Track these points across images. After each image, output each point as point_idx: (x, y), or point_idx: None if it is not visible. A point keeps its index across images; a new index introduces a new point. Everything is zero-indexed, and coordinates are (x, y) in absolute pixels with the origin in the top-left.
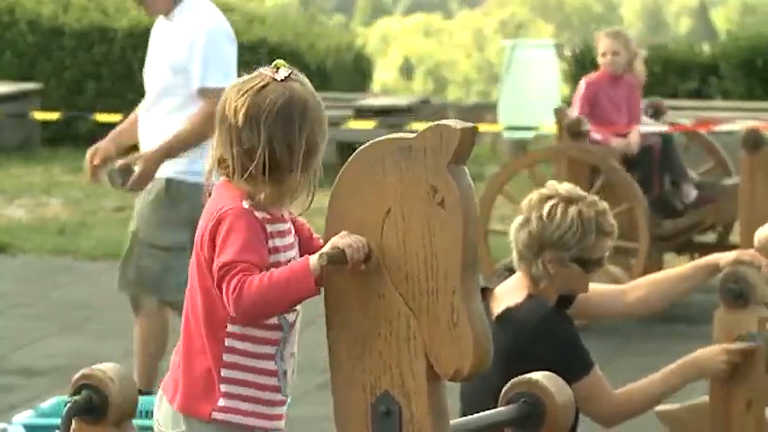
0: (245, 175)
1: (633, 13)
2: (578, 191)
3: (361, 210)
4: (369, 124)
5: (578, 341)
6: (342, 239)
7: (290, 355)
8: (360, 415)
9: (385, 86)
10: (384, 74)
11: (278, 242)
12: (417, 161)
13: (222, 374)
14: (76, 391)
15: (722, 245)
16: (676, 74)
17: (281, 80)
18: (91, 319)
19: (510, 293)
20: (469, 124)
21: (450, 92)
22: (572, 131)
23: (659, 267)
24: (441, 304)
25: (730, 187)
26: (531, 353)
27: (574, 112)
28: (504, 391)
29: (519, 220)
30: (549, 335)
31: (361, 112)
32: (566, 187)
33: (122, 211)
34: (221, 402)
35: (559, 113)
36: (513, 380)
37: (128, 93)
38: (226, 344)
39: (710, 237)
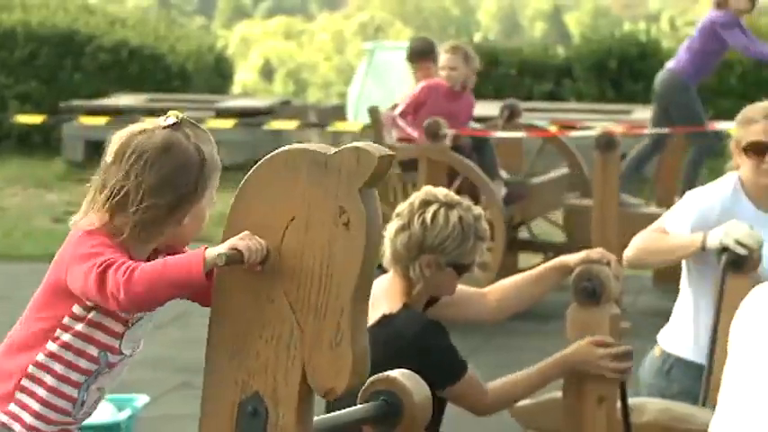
0: (105, 208)
1: (489, 17)
2: (454, 196)
3: (265, 212)
4: (228, 123)
5: (453, 350)
6: (242, 241)
7: (96, 389)
8: (227, 411)
9: (246, 88)
10: (245, 76)
11: None
12: (331, 178)
13: (22, 383)
14: None
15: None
16: (531, 76)
17: (164, 127)
18: None
19: (385, 296)
20: (388, 151)
21: (310, 94)
22: (430, 133)
23: (514, 266)
24: (327, 322)
25: (538, 185)
26: (406, 365)
27: (398, 108)
28: (362, 389)
29: (398, 223)
30: (425, 349)
31: (223, 114)
32: (443, 192)
33: None
34: (10, 407)
35: (374, 114)
36: (371, 378)
37: None
38: (37, 359)
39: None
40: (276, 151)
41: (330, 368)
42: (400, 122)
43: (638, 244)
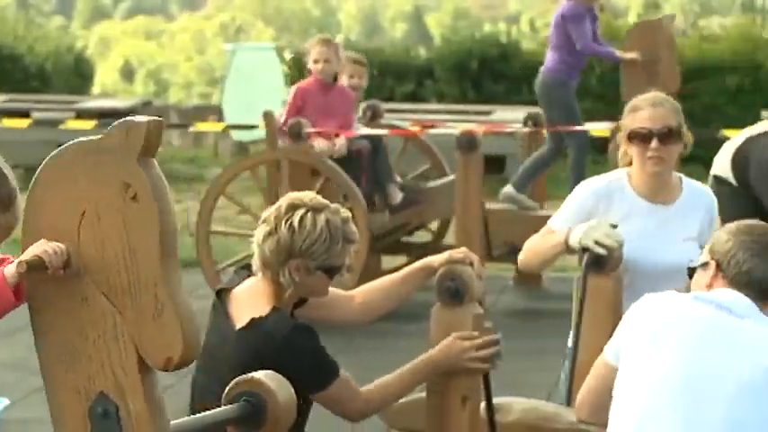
0: None
1: (350, 18)
2: (321, 199)
3: (54, 217)
4: (88, 124)
5: (323, 353)
6: (39, 247)
7: None
8: (78, 419)
9: (106, 89)
10: (105, 76)
11: None
12: (107, 160)
13: None
14: None
15: (436, 244)
16: (393, 77)
17: None
18: None
19: (252, 300)
20: (155, 118)
21: (171, 94)
22: (293, 134)
23: (378, 268)
24: (144, 297)
25: (434, 189)
26: (275, 369)
27: (281, 118)
28: (226, 390)
29: (265, 229)
30: (294, 352)
31: (83, 115)
32: (310, 196)
33: None
34: None
35: (268, 117)
36: (235, 379)
37: None
38: None
39: (426, 237)
40: (54, 152)
41: (161, 339)
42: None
43: (525, 247)
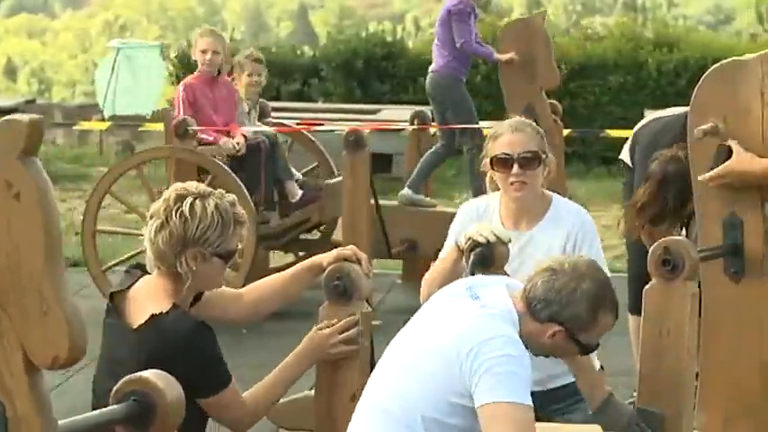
0: None
1: (235, 17)
2: (206, 186)
3: None
4: None
5: (220, 357)
6: None
7: None
8: None
9: None
10: None
11: None
12: None
13: None
14: None
15: (325, 242)
16: (279, 76)
17: None
18: None
19: (151, 298)
20: (37, 116)
21: (55, 92)
22: (178, 132)
23: (266, 265)
24: (29, 295)
25: (333, 186)
26: (172, 367)
27: (177, 115)
28: (114, 390)
29: (156, 222)
30: (193, 352)
31: None
32: (194, 184)
33: None
34: None
35: (165, 115)
36: (123, 379)
37: None
38: None
39: (315, 234)
40: None
41: (46, 337)
42: (198, 130)
43: (423, 283)
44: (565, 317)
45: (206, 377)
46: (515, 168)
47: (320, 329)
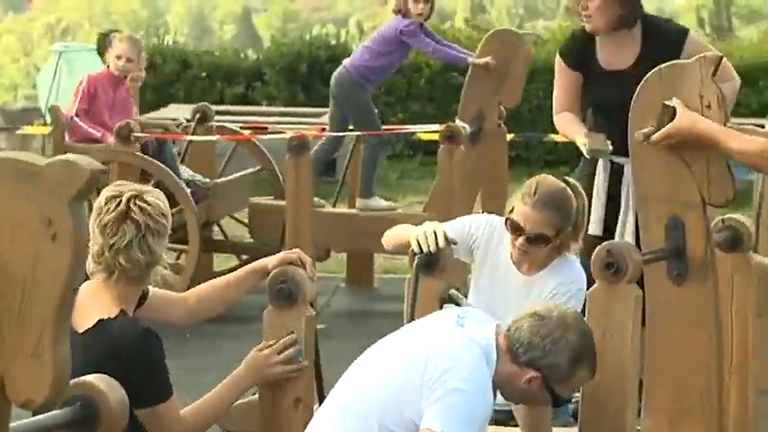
0: None
1: (179, 20)
2: (138, 185)
3: None
4: None
5: (165, 369)
6: None
7: None
8: None
9: None
10: None
11: None
12: (38, 189)
13: None
14: None
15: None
16: (222, 80)
17: None
18: None
19: (96, 302)
20: (99, 166)
21: None
22: (121, 136)
23: (210, 269)
24: (29, 331)
25: (222, 185)
26: (117, 372)
27: (73, 105)
28: None
29: (92, 224)
30: (138, 359)
31: None
32: (127, 185)
33: None
34: None
35: (55, 110)
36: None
37: None
38: None
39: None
40: None
41: (30, 379)
42: (82, 123)
43: (388, 233)
44: (544, 364)
45: (147, 386)
46: (521, 240)
47: (260, 350)
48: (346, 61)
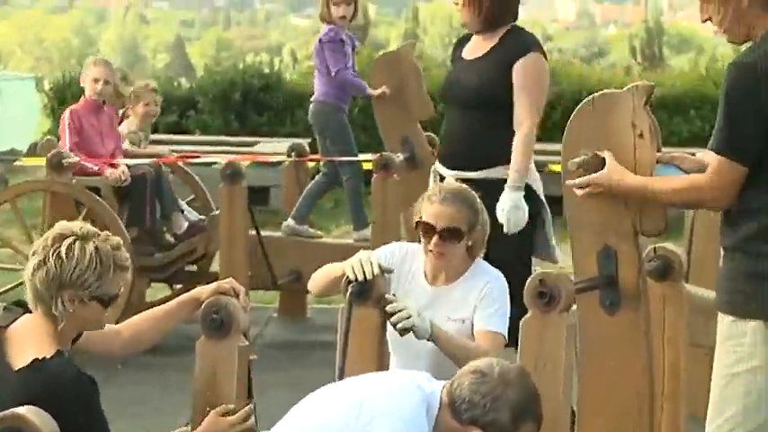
0: None
1: (111, 48)
2: (90, 227)
3: None
4: None
5: (101, 410)
6: None
7: None
8: None
9: None
10: None
11: None
12: None
13: None
14: None
15: (204, 274)
16: None
17: None
18: None
19: (33, 339)
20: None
21: None
22: (53, 165)
23: (142, 300)
24: None
25: (218, 217)
26: (54, 413)
27: (64, 142)
28: None
29: (34, 261)
30: (74, 401)
31: None
32: (79, 225)
33: None
34: None
35: (47, 146)
36: None
37: None
38: None
39: (192, 266)
40: None
41: None
42: (81, 159)
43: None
44: (486, 422)
45: (89, 425)
46: (435, 239)
47: (222, 416)
48: (312, 97)
